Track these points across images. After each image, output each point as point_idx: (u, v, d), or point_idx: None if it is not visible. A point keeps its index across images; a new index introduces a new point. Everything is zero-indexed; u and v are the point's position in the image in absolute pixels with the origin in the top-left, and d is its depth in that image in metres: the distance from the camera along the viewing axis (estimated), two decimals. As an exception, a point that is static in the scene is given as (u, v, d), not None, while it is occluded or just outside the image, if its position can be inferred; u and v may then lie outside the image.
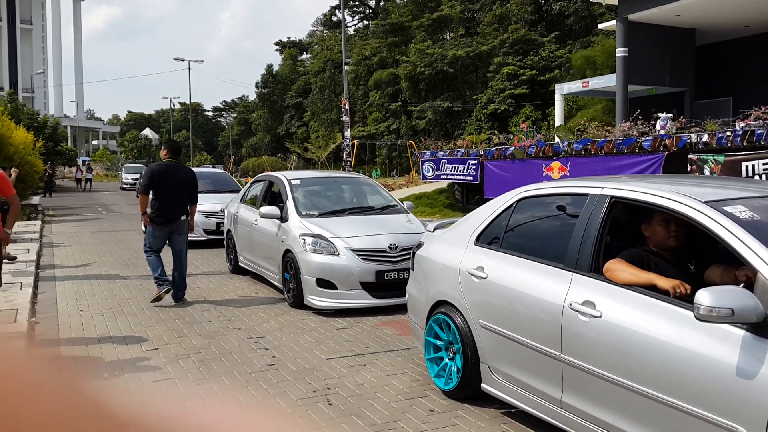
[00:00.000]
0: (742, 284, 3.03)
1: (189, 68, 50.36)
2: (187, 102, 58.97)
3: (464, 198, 19.90)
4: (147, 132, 79.76)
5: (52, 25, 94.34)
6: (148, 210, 7.76)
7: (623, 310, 3.37)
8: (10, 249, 11.74)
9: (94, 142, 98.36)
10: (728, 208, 3.22)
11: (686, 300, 3.13)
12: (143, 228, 8.17)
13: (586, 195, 3.96)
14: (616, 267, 3.57)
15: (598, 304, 3.48)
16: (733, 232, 3.03)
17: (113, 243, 13.74)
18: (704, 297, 2.75)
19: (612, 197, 3.78)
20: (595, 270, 3.66)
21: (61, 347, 6.12)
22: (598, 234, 3.72)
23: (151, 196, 7.76)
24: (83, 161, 55.51)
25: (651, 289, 3.34)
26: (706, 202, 3.28)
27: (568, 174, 14.37)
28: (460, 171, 18.40)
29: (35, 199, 27.01)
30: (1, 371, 0.41)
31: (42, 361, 0.44)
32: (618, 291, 3.45)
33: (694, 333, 2.97)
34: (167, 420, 0.43)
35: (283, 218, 8.20)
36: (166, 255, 8.03)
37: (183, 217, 7.88)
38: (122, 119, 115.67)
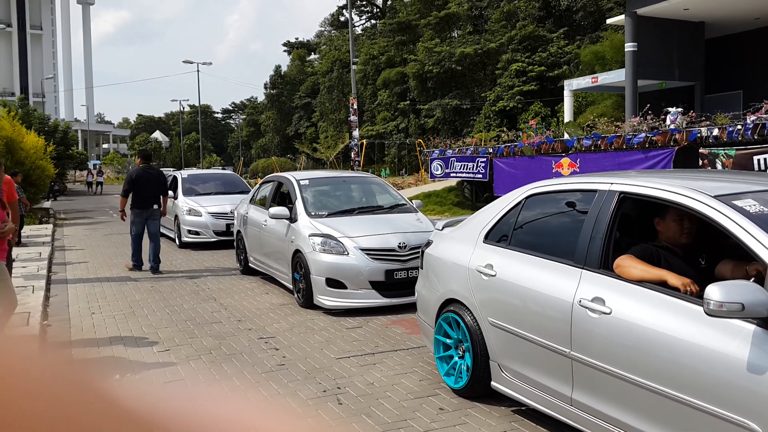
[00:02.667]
0: (753, 279, 3.00)
1: (198, 71, 50.53)
2: (197, 104, 59.24)
3: (474, 196, 19.85)
4: (157, 135, 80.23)
5: (61, 30, 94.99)
6: (129, 202, 10.36)
7: (633, 306, 3.34)
8: (21, 252, 11.84)
9: (105, 146, 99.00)
10: (738, 202, 3.19)
11: (697, 296, 3.10)
12: (124, 219, 10.92)
13: (595, 191, 3.93)
14: (626, 263, 3.54)
15: (608, 300, 3.45)
16: (743, 226, 3.00)
17: (124, 246, 13.77)
18: (714, 292, 2.73)
19: (621, 193, 3.75)
20: (604, 266, 3.63)
21: (73, 349, 6.16)
22: (607, 230, 3.70)
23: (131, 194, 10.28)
24: (94, 165, 55.89)
25: (661, 286, 3.31)
26: (715, 197, 3.25)
27: (577, 170, 14.31)
28: (469, 169, 18.37)
29: (47, 203, 27.21)
30: (14, 370, 0.41)
31: (55, 360, 0.45)
32: (627, 287, 3.42)
33: (704, 328, 2.94)
34: (180, 417, 0.43)
35: (292, 219, 8.20)
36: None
37: (155, 206, 10.32)
38: (132, 122, 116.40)
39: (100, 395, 0.42)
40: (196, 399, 0.45)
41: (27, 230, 15.28)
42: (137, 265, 10.47)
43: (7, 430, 0.37)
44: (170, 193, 14.14)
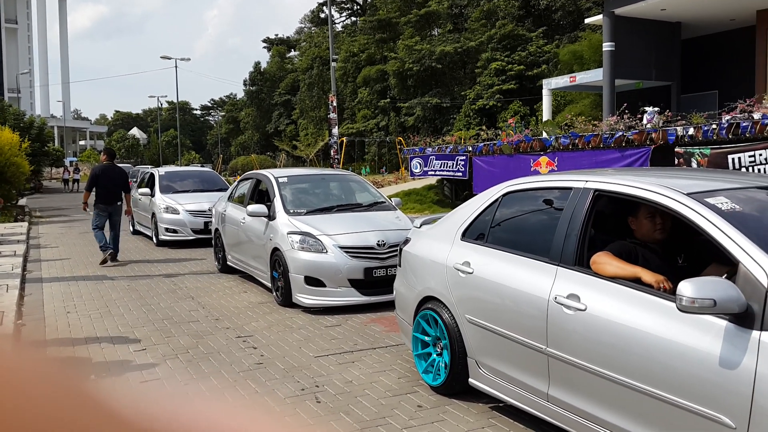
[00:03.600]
0: (725, 275, 3.04)
1: (176, 66, 50.10)
2: (175, 101, 58.70)
3: (453, 194, 19.91)
4: (135, 131, 79.35)
5: (37, 25, 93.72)
6: (92, 200, 10.88)
7: (607, 302, 3.38)
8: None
9: (82, 142, 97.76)
10: (710, 200, 3.23)
11: (670, 293, 3.14)
12: (86, 210, 11.72)
13: (570, 189, 3.97)
14: (602, 260, 3.57)
15: (583, 297, 3.49)
16: (715, 224, 3.04)
17: (101, 243, 13.63)
18: (686, 288, 2.76)
19: (595, 190, 3.79)
20: (579, 263, 3.67)
21: (48, 349, 6.08)
22: (582, 227, 3.73)
23: (94, 189, 10.76)
24: (70, 162, 55.17)
25: (636, 283, 3.34)
26: (688, 194, 3.29)
27: (555, 169, 14.41)
28: (448, 167, 18.42)
29: (22, 201, 26.81)
30: None
31: (37, 359, 0.44)
32: (602, 284, 3.46)
33: (677, 324, 2.98)
34: (160, 417, 0.43)
35: (270, 216, 8.17)
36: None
37: (118, 203, 10.93)
38: (110, 119, 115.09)
39: (83, 394, 0.42)
40: (173, 398, 0.45)
41: (1, 228, 15.05)
42: (107, 249, 10.83)
43: None
44: (147, 190, 14.06)
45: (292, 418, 4.32)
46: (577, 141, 14.16)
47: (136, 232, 15.37)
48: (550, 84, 22.17)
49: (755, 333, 2.71)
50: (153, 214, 13.57)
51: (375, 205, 8.70)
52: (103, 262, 10.81)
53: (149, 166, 32.08)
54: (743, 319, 2.76)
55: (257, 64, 64.77)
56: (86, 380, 0.43)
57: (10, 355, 0.44)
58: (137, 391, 0.44)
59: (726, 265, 3.31)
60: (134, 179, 21.85)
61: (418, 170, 20.01)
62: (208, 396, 4.80)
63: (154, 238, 13.54)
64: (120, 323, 6.94)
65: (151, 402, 0.44)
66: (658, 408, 3.03)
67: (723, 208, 3.15)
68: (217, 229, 10.29)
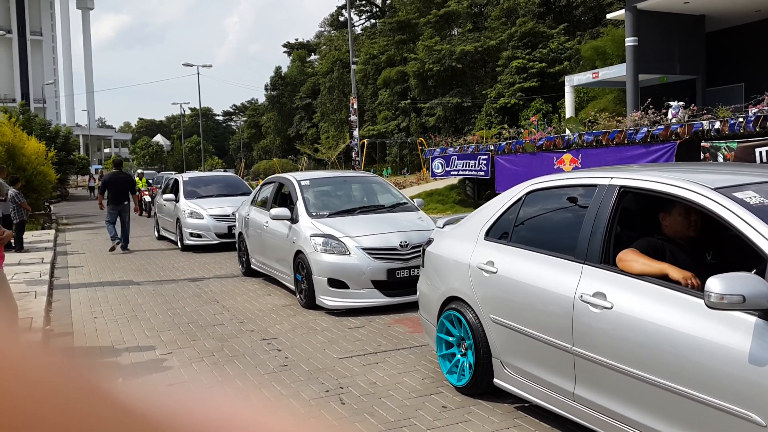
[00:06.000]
0: (754, 271, 2.97)
1: (198, 73, 50.57)
2: (197, 107, 59.28)
3: (476, 193, 19.83)
4: (158, 138, 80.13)
5: (61, 36, 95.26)
6: (105, 201, 13.46)
7: (634, 300, 3.32)
8: (23, 257, 11.86)
9: (107, 150, 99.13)
10: (739, 194, 3.16)
11: (698, 290, 3.08)
12: (102, 209, 13.71)
13: (595, 186, 3.91)
14: (629, 257, 3.51)
15: (609, 295, 3.43)
16: (743, 218, 2.98)
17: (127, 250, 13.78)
18: (715, 284, 2.70)
19: (621, 187, 3.73)
20: (605, 261, 3.61)
21: (76, 353, 6.16)
22: (608, 224, 3.67)
23: (106, 193, 13.41)
24: (96, 169, 55.92)
25: (663, 280, 3.28)
26: (715, 189, 3.23)
27: (579, 166, 14.27)
28: (470, 166, 18.34)
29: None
30: (20, 371, 0.41)
31: (63, 363, 0.44)
32: (628, 281, 3.40)
33: (705, 321, 2.92)
34: (184, 419, 0.43)
35: (293, 219, 8.19)
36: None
37: (125, 202, 13.47)
38: (133, 126, 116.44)
39: (107, 396, 0.42)
40: (199, 400, 0.45)
41: (29, 236, 15.30)
42: (115, 239, 13.36)
43: (11, 430, 0.37)
44: (171, 196, 14.23)
45: (317, 420, 4.32)
46: (601, 137, 14.02)
47: (161, 238, 15.53)
48: (572, 80, 21.98)
49: (787, 329, 2.64)
50: (177, 220, 13.70)
51: (397, 206, 8.69)
52: (112, 249, 13.26)
53: (173, 172, 32.39)
54: (774, 315, 2.69)
55: (278, 69, 65.07)
56: (114, 383, 0.43)
57: (38, 360, 0.44)
58: (165, 392, 0.44)
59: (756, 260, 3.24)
60: (159, 185, 22.11)
61: (439, 170, 19.96)
62: (234, 398, 4.83)
63: (179, 243, 13.66)
64: (146, 327, 7.01)
65: (178, 403, 0.44)
66: (686, 406, 2.97)
67: (751, 203, 3.08)
68: (240, 233, 10.35)
